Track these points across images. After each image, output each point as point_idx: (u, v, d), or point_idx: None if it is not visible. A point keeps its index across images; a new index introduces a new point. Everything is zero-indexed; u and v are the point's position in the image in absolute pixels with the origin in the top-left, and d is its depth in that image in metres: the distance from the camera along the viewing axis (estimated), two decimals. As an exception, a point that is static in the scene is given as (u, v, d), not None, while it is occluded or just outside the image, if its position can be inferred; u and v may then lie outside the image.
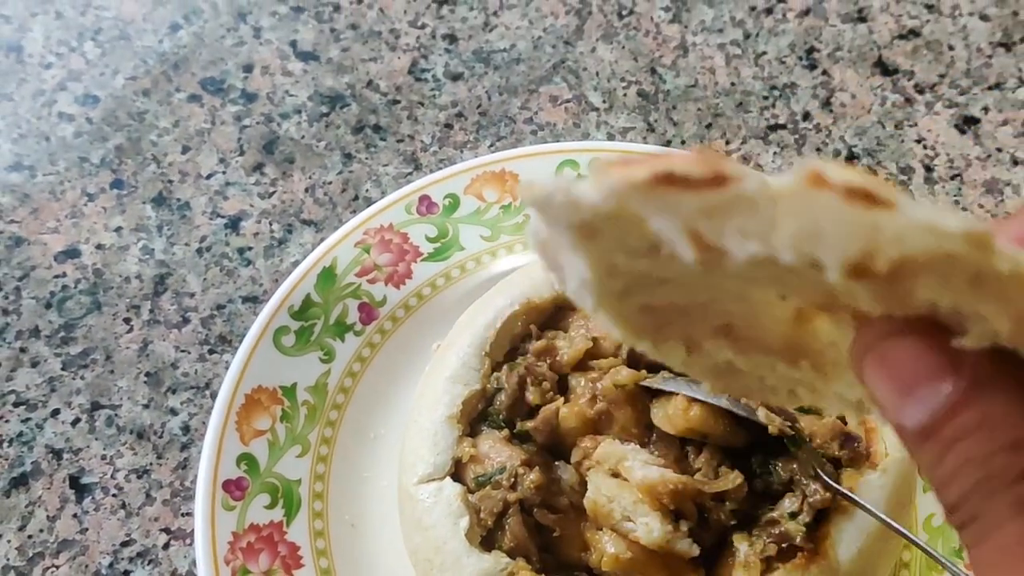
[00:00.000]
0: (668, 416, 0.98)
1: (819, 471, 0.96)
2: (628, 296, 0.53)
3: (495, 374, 1.03)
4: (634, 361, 1.04)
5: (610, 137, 1.35)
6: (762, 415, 0.96)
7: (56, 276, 1.24)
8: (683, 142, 1.34)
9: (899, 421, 0.45)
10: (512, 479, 0.97)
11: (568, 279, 0.53)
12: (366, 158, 1.34)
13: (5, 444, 1.14)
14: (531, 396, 1.02)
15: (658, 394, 1.00)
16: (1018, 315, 0.40)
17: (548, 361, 1.04)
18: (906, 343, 0.44)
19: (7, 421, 1.15)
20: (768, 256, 0.40)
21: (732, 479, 0.96)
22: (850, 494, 0.94)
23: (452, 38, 1.45)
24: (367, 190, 1.31)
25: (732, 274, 0.44)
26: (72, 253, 1.26)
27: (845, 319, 0.51)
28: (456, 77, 1.41)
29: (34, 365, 1.18)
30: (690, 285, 0.51)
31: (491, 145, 1.35)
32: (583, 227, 0.46)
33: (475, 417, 1.03)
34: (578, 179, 0.44)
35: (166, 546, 1.09)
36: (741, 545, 0.95)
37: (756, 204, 0.39)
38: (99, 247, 1.26)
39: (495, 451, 0.99)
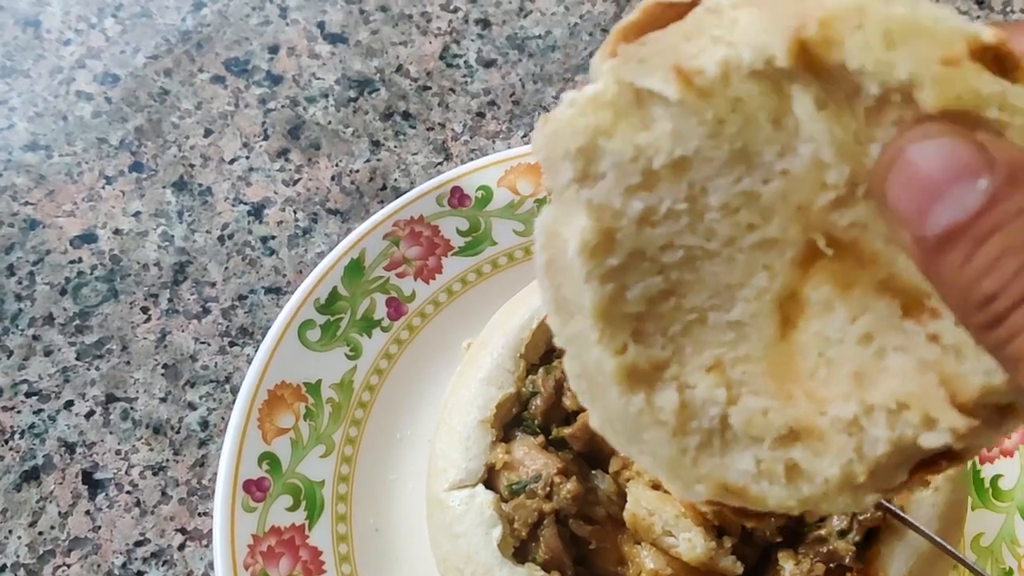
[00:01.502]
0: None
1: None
2: (622, 299, 0.51)
3: (530, 377, 0.99)
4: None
5: (648, 130, 1.30)
6: None
7: (72, 261, 1.20)
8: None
9: (922, 232, 0.42)
10: (548, 488, 0.92)
11: (569, 246, 0.50)
12: (395, 146, 1.29)
13: (16, 436, 1.09)
14: (568, 401, 0.97)
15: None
16: None
17: (586, 363, 1.00)
18: (940, 141, 0.42)
19: (19, 412, 1.10)
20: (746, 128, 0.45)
21: (778, 494, 0.91)
22: (901, 513, 0.89)
23: (485, 23, 1.40)
24: (395, 179, 1.27)
25: (717, 207, 0.48)
26: (89, 238, 1.21)
27: (833, 292, 0.50)
28: (489, 64, 1.36)
29: (47, 354, 1.14)
30: (681, 278, 0.50)
31: (524, 136, 1.30)
32: (586, 154, 0.48)
33: (509, 421, 0.98)
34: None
35: (182, 547, 1.05)
36: (787, 563, 0.90)
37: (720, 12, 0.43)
38: (117, 232, 1.22)
39: (530, 458, 0.95)
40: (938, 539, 0.87)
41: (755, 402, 0.52)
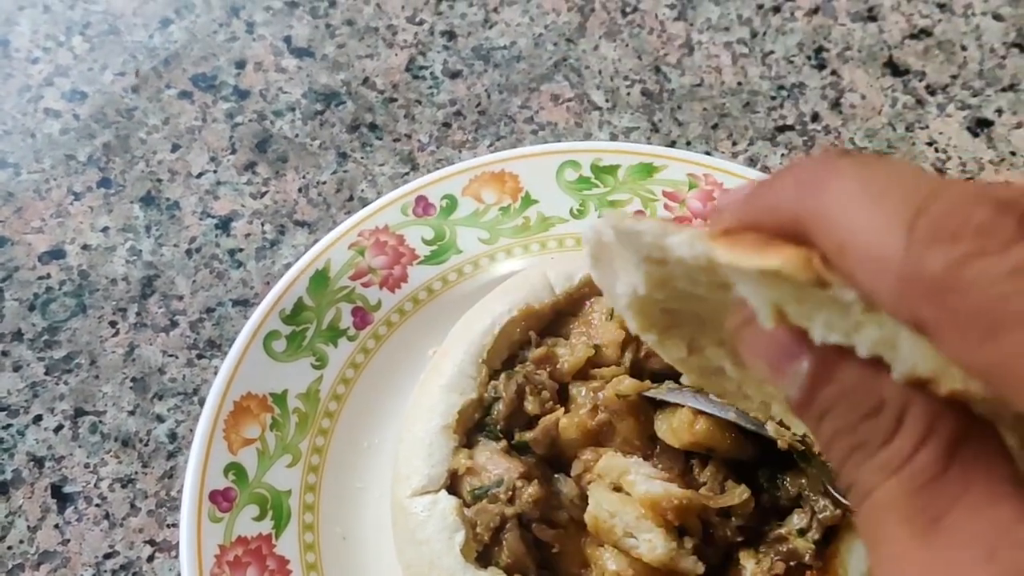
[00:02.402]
0: (673, 429, 0.94)
1: (829, 486, 0.92)
2: (659, 302, 0.59)
3: (492, 382, 1.00)
4: (637, 370, 1.00)
5: (613, 137, 1.31)
6: (771, 429, 0.92)
7: (40, 277, 1.20)
8: (688, 143, 1.31)
9: (786, 395, 0.48)
10: (510, 492, 0.93)
11: (618, 286, 0.60)
12: (362, 157, 1.30)
13: (-15, 451, 1.10)
14: (530, 406, 0.98)
15: (662, 405, 0.96)
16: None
17: (548, 369, 1.00)
18: (761, 327, 0.48)
19: (-13, 427, 1.11)
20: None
21: (738, 494, 0.92)
22: None
23: (451, 35, 1.41)
24: (362, 190, 1.27)
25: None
26: (57, 254, 1.22)
27: None
28: (455, 75, 1.38)
29: (16, 369, 1.14)
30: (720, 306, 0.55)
31: (490, 145, 1.31)
32: (658, 261, 0.53)
33: (471, 427, 0.99)
34: (672, 227, 0.51)
35: (151, 558, 1.05)
36: (748, 562, 0.91)
37: (848, 309, 0.44)
38: (85, 247, 1.22)
39: (492, 463, 0.95)
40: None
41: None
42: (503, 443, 0.97)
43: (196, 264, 1.22)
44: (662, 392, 0.96)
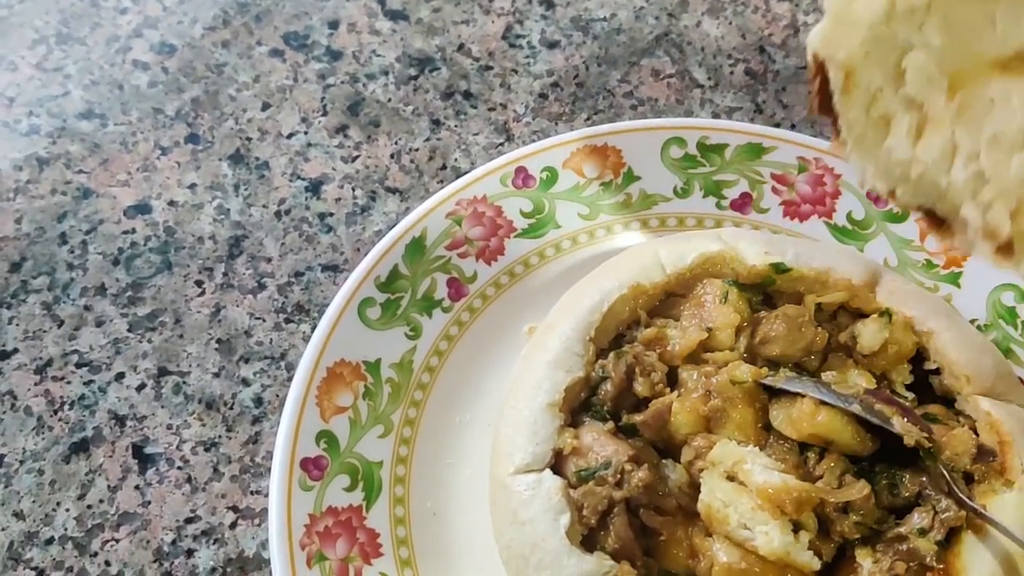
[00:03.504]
0: (792, 419, 0.90)
1: (954, 486, 0.88)
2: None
3: (600, 361, 0.95)
4: (752, 356, 0.96)
5: (715, 116, 1.27)
6: (898, 425, 0.88)
7: (125, 232, 1.17)
8: (792, 126, 1.26)
9: None
10: (618, 475, 0.89)
11: None
12: (455, 125, 1.26)
13: (66, 407, 1.07)
14: (639, 387, 0.94)
15: (779, 394, 0.92)
16: None
17: (658, 351, 0.96)
18: None
19: (68, 383, 1.08)
20: None
21: (859, 488, 0.88)
22: (987, 513, 0.86)
23: (549, 4, 1.37)
24: (456, 159, 1.24)
25: None
26: (143, 208, 1.19)
27: None
28: (552, 45, 1.33)
29: (99, 325, 1.11)
30: None
31: (588, 119, 1.27)
32: None
33: (578, 406, 0.95)
34: None
35: (233, 525, 1.02)
36: (865, 561, 0.87)
37: None
38: (171, 204, 1.19)
39: (599, 444, 0.91)
40: (1026, 541, 0.84)
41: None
42: (610, 424, 0.93)
43: (285, 226, 1.18)
44: (781, 380, 0.92)
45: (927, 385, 0.99)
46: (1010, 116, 0.61)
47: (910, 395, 0.98)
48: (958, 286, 1.13)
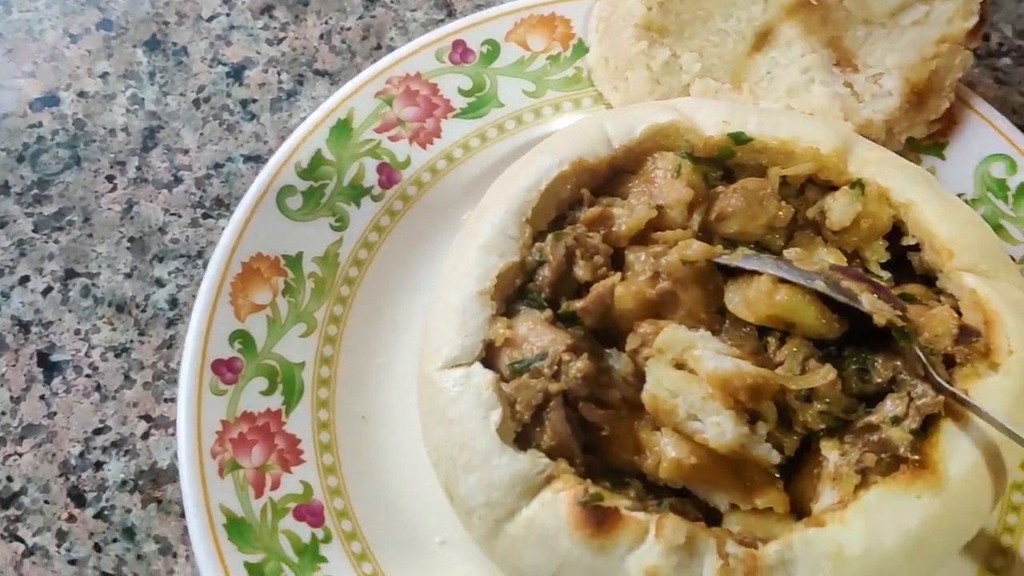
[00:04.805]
0: (748, 300, 0.81)
1: (931, 369, 0.78)
2: None
3: (537, 244, 0.86)
4: (707, 235, 0.87)
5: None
6: (866, 303, 0.78)
7: (31, 126, 1.09)
8: None
9: None
10: (555, 367, 0.80)
11: None
12: (391, 1, 1.16)
13: (-35, 314, 0.98)
14: (580, 271, 0.84)
15: (735, 275, 0.83)
16: None
17: (602, 232, 0.87)
18: None
19: (-31, 287, 0.99)
20: None
21: (823, 374, 0.79)
22: (969, 399, 0.76)
23: None
24: (391, 38, 1.15)
25: None
26: (50, 101, 1.11)
27: None
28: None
29: (2, 226, 1.03)
30: None
31: (535, -11, 1.16)
32: None
33: (512, 294, 0.86)
34: None
35: (145, 435, 0.95)
36: (831, 454, 0.78)
37: None
38: (81, 95, 1.11)
39: (535, 334, 0.82)
40: (1010, 427, 0.75)
41: (713, 83, 0.75)
42: (548, 313, 0.84)
43: (204, 115, 1.09)
44: (737, 258, 0.83)
45: (906, 264, 0.89)
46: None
47: (886, 275, 0.88)
48: (942, 157, 1.04)
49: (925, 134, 1.04)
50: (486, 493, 0.78)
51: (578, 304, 0.84)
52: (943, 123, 1.03)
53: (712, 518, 0.78)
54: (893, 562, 0.74)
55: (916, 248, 0.88)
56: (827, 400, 0.79)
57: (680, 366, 0.80)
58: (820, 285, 0.79)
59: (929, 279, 0.88)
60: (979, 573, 0.89)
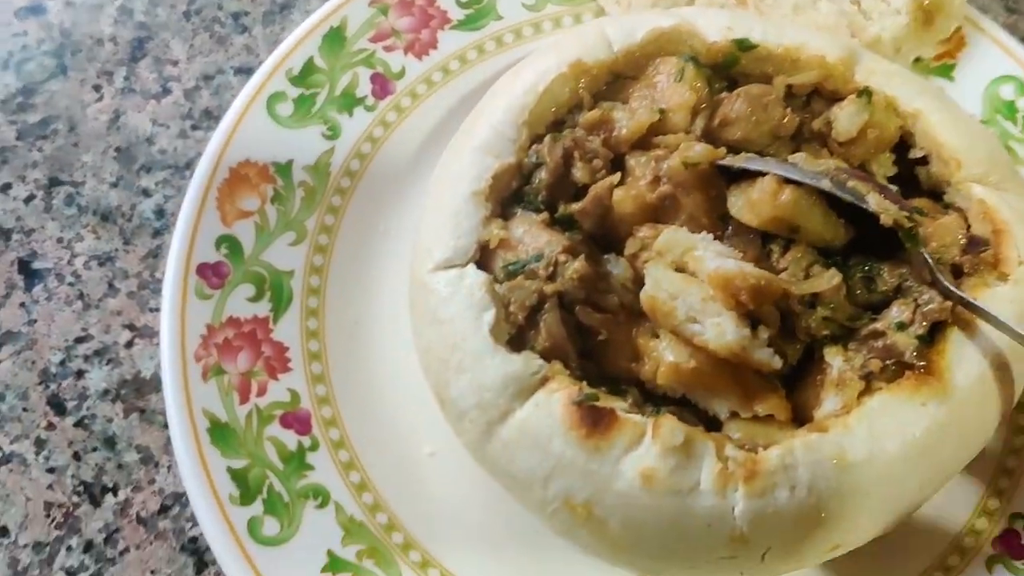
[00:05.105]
0: (752, 202, 0.78)
1: (937, 274, 0.75)
2: None
3: (535, 147, 0.83)
4: (711, 141, 0.83)
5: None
6: (873, 202, 0.76)
7: (16, 35, 1.06)
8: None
9: None
10: (551, 268, 0.77)
11: None
12: (390, -87, 1.13)
13: (-55, 220, 0.95)
14: (579, 174, 0.82)
15: (738, 179, 0.80)
16: None
17: (602, 136, 0.84)
18: None
19: (-51, 194, 0.97)
20: None
21: (828, 278, 0.76)
22: (976, 302, 0.74)
23: None
24: (390, -49, 1.10)
25: None
26: (36, 10, 1.08)
27: None
28: None
29: (-16, 132, 1.00)
30: None
31: None
32: None
33: (508, 196, 0.83)
34: None
35: (129, 344, 0.92)
36: (835, 360, 0.75)
37: None
38: (68, 3, 1.09)
39: (531, 236, 0.79)
40: (1021, 330, 0.72)
41: None
42: (544, 215, 0.81)
43: (195, 27, 1.07)
44: (741, 160, 0.80)
45: (913, 179, 0.87)
46: None
47: (893, 188, 0.86)
48: (951, 79, 1.01)
49: (933, 55, 1.01)
50: (478, 395, 0.75)
51: (576, 206, 0.81)
52: (952, 44, 1.01)
53: (711, 429, 0.75)
54: (896, 469, 0.71)
55: (923, 162, 0.85)
56: (831, 306, 0.76)
57: (680, 269, 0.77)
58: (826, 184, 0.77)
59: (936, 194, 0.85)
60: (984, 494, 0.87)
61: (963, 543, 0.84)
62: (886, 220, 0.75)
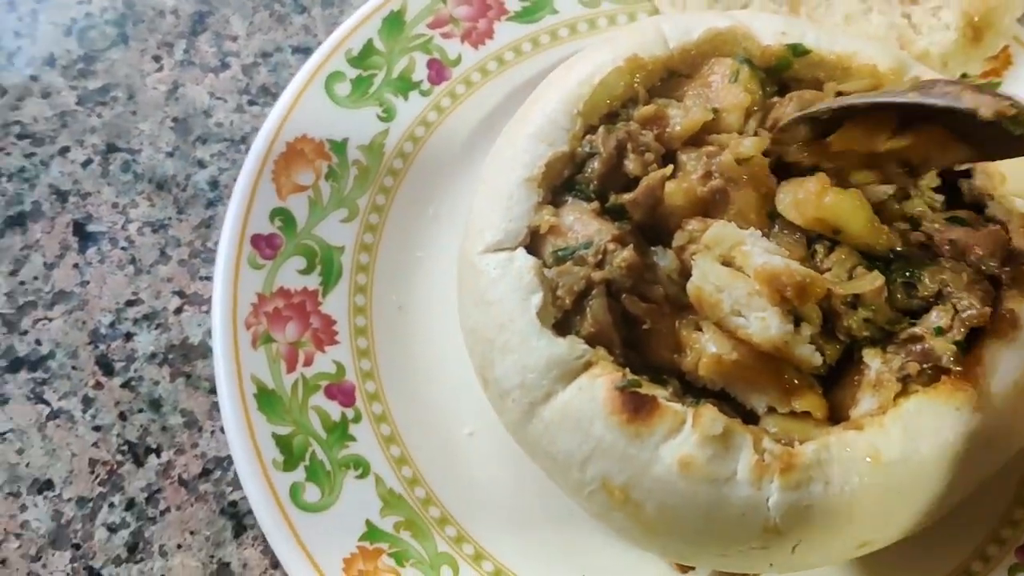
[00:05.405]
0: (798, 201, 0.79)
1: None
2: None
3: (588, 136, 0.85)
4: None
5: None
6: (968, 99, 0.74)
7: (80, 2, 1.07)
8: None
9: None
10: (599, 256, 0.79)
11: None
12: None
13: (3, 179, 0.98)
14: (631, 165, 0.83)
15: (789, 177, 0.81)
16: None
17: (655, 131, 0.85)
18: None
19: (8, 154, 0.99)
20: None
21: (871, 279, 0.77)
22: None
23: None
24: (449, -58, 1.12)
25: None
26: None
27: None
28: None
29: (45, 96, 1.02)
30: None
31: None
32: None
33: (559, 184, 0.84)
34: None
35: (178, 311, 0.93)
36: (873, 361, 0.77)
37: None
38: None
39: (581, 223, 0.81)
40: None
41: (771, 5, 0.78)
42: (595, 204, 0.82)
43: (255, 4, 1.09)
44: (823, 104, 0.81)
45: (956, 192, 0.88)
46: None
47: (939, 197, 0.87)
48: (996, 96, 1.02)
49: (980, 72, 1.02)
50: (522, 375, 0.77)
51: (627, 196, 0.82)
52: (999, 62, 1.02)
53: (748, 423, 0.76)
54: (928, 470, 0.73)
55: (967, 175, 0.87)
56: (872, 308, 0.77)
57: (727, 263, 0.78)
58: (913, 96, 0.76)
59: (978, 207, 0.87)
60: (1012, 503, 0.88)
61: (987, 551, 0.86)
62: (985, 113, 0.72)
